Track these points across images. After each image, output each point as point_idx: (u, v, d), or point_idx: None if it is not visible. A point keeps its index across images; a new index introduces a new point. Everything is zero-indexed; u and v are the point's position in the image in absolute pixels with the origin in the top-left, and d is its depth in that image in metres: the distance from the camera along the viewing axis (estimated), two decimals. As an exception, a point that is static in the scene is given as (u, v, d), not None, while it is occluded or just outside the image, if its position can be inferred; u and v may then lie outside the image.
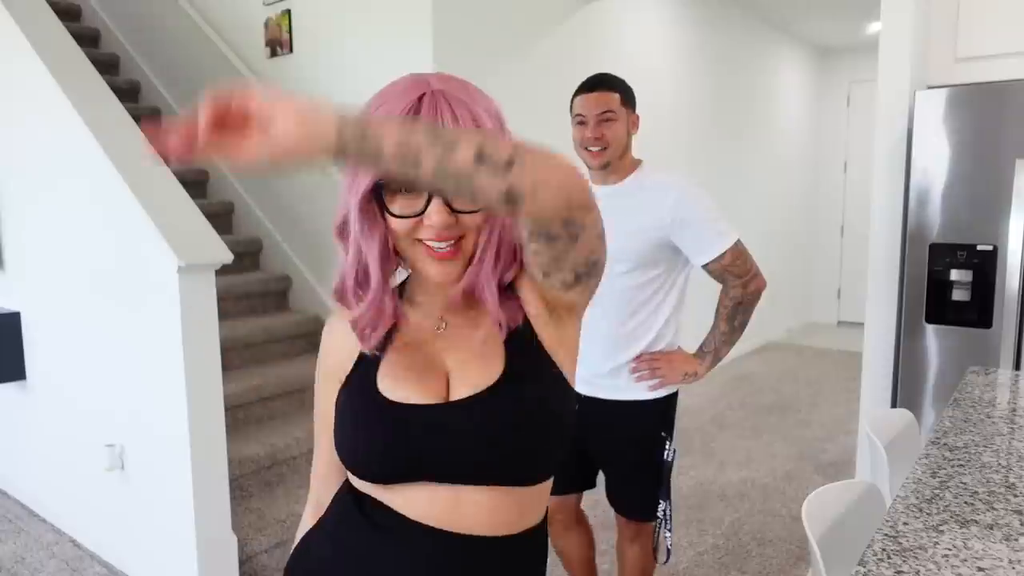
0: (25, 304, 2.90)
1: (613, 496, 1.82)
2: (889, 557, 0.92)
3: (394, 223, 0.76)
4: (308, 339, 3.54)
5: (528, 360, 0.83)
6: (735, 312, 1.67)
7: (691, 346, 1.77)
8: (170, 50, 4.22)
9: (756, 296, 1.66)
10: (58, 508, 2.91)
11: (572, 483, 1.86)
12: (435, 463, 0.79)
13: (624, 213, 1.59)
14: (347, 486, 0.89)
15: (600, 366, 1.70)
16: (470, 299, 0.84)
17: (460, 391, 0.81)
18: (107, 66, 4.46)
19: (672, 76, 4.70)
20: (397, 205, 0.75)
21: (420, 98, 0.72)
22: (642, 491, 1.75)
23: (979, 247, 2.13)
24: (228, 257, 2.23)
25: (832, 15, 5.65)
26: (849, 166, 6.98)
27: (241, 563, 2.41)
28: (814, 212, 7.10)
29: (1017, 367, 2.11)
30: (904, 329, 2.28)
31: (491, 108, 0.77)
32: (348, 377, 0.87)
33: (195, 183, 3.99)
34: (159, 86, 4.34)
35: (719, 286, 1.68)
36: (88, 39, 4.59)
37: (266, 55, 3.71)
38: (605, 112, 1.65)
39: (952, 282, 2.18)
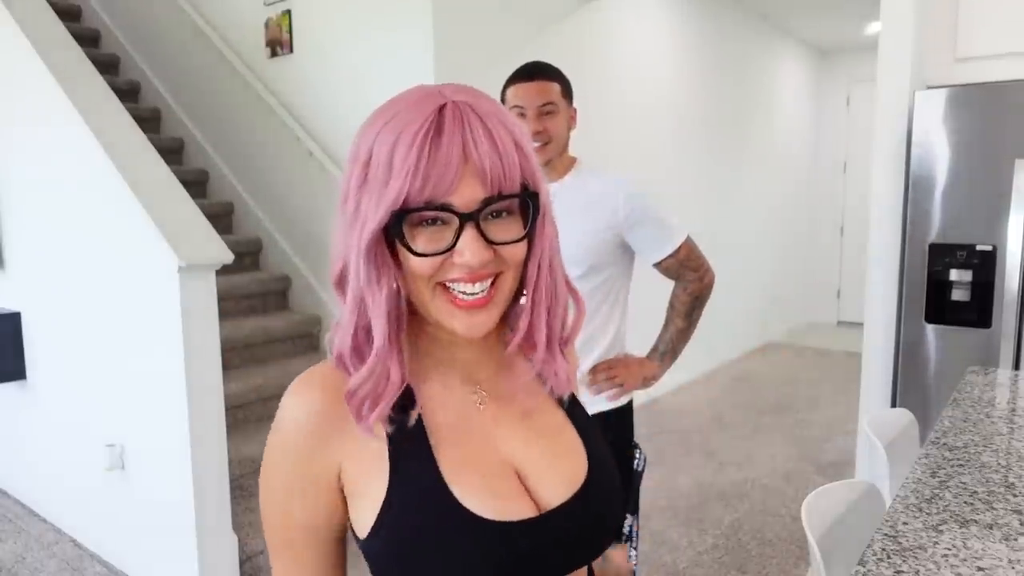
0: (25, 304, 2.90)
1: None
2: (889, 557, 0.92)
3: (415, 264, 0.61)
4: (308, 339, 3.54)
5: (590, 427, 0.74)
6: (692, 307, 1.60)
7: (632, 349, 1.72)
8: (170, 50, 4.22)
9: (710, 289, 1.61)
10: (58, 508, 2.91)
11: None
12: None
13: (573, 214, 1.48)
14: None
15: None
16: (496, 354, 0.71)
17: (549, 493, 0.68)
18: (107, 66, 4.46)
19: (672, 76, 4.70)
20: (421, 241, 0.61)
21: (440, 110, 0.59)
22: None
23: (979, 247, 2.13)
24: (228, 257, 2.23)
25: (832, 15, 5.65)
26: (849, 166, 6.98)
27: (241, 563, 2.41)
28: (814, 212, 7.09)
29: (1017, 367, 2.11)
30: (904, 329, 2.28)
31: (519, 123, 0.65)
32: (393, 490, 0.64)
33: (195, 183, 3.99)
34: (159, 86, 4.34)
35: (658, 286, 1.62)
36: (88, 39, 4.59)
37: (266, 55, 3.71)
38: (546, 104, 1.51)
39: (952, 282, 2.18)
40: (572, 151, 1.64)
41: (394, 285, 0.63)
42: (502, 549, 0.63)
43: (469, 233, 0.60)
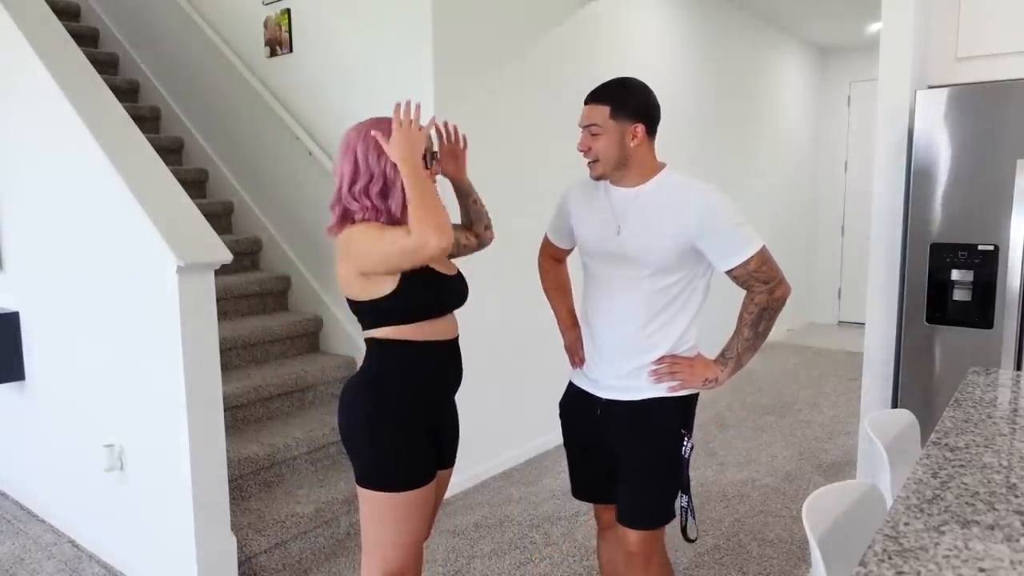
0: (24, 304, 2.90)
1: (622, 501, 1.74)
2: (890, 558, 0.91)
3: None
4: (308, 339, 3.54)
5: None
6: (759, 318, 1.67)
7: (708, 352, 1.76)
8: (170, 50, 4.22)
9: (781, 302, 1.68)
10: (57, 509, 2.91)
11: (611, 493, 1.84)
12: None
13: (646, 217, 1.64)
14: None
15: (620, 368, 1.73)
16: None
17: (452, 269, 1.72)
18: (106, 65, 4.46)
19: (672, 76, 4.70)
20: None
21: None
22: (653, 493, 1.71)
23: (980, 247, 2.12)
24: (228, 257, 2.23)
25: (833, 15, 5.65)
26: (849, 166, 6.98)
27: (240, 563, 2.41)
28: (814, 212, 7.09)
29: (1018, 367, 2.11)
30: (905, 329, 2.27)
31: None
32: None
33: (194, 182, 3.99)
34: (159, 86, 4.34)
35: (737, 290, 1.68)
36: (87, 38, 4.59)
37: (266, 54, 3.71)
38: (590, 126, 1.66)
39: (953, 282, 2.17)
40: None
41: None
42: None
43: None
